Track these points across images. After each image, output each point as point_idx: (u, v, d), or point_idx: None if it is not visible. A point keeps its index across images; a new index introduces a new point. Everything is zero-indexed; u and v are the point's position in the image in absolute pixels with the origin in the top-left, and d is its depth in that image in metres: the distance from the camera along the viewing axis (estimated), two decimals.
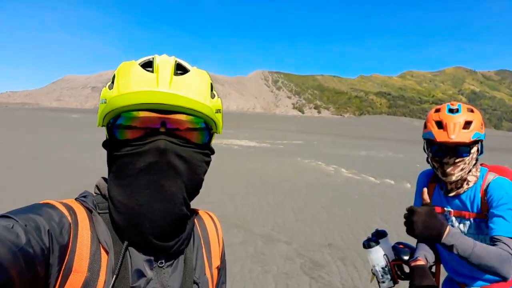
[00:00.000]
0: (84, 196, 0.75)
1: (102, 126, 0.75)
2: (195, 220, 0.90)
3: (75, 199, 0.74)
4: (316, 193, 8.30)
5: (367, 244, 1.77)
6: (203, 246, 0.87)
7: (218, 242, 0.92)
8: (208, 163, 0.82)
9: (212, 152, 0.84)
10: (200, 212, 0.95)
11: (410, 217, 1.42)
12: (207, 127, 0.79)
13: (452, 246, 1.36)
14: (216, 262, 0.89)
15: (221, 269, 0.94)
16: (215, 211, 5.95)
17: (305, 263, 4.37)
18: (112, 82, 0.72)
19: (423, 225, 1.38)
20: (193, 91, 0.71)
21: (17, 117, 39.68)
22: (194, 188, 0.77)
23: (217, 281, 0.90)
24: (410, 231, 1.42)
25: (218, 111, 0.79)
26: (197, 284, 0.79)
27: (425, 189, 1.49)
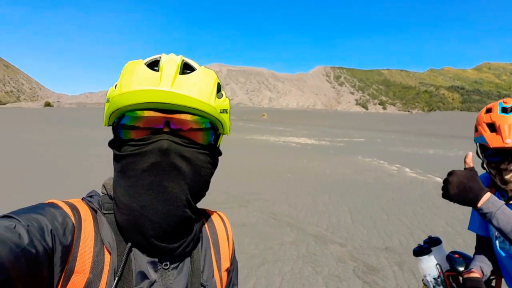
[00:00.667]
0: (91, 196, 0.75)
1: (108, 125, 0.75)
2: (204, 220, 0.88)
3: (82, 198, 0.74)
4: (376, 193, 7.93)
5: (418, 252, 1.62)
6: (211, 247, 0.85)
7: (228, 243, 0.90)
8: (214, 165, 0.80)
9: (219, 153, 0.82)
10: (210, 212, 0.94)
11: (447, 178, 1.27)
12: (213, 128, 0.77)
13: (491, 214, 1.19)
14: (225, 264, 0.87)
15: (231, 271, 0.91)
16: (267, 208, 5.98)
17: (359, 266, 4.18)
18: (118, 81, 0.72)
19: (459, 186, 1.22)
20: (196, 90, 0.69)
21: (92, 115, 43.17)
22: (198, 189, 0.75)
23: (226, 283, 0.88)
24: (445, 192, 1.27)
25: (224, 111, 0.77)
26: (204, 287, 0.77)
27: (470, 153, 1.33)
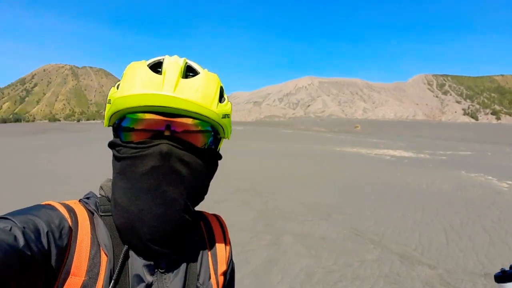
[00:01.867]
0: (88, 198, 0.77)
1: (109, 126, 0.76)
2: (201, 223, 0.89)
3: (79, 200, 0.75)
4: (479, 212, 7.03)
5: (501, 277, 1.39)
6: (208, 250, 0.85)
7: (225, 246, 0.90)
8: (213, 169, 0.80)
9: (219, 157, 0.81)
10: (207, 215, 0.94)
11: None
12: (214, 132, 0.77)
13: None
14: (222, 267, 0.86)
15: (228, 274, 0.90)
16: (350, 223, 5.71)
17: None
18: (120, 82, 0.73)
19: None
20: (198, 94, 0.69)
21: None
22: (197, 193, 0.76)
23: (223, 286, 0.86)
24: None
25: (225, 116, 0.77)
26: None
27: None
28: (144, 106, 0.66)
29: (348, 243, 5.16)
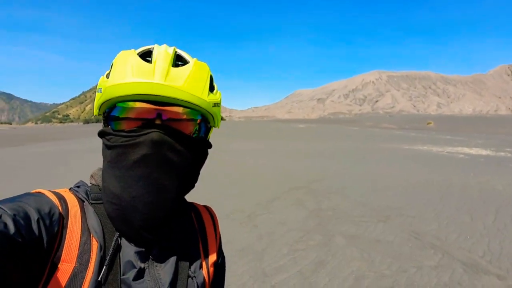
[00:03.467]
0: (78, 186, 0.78)
1: (99, 115, 0.77)
2: (192, 213, 0.91)
3: (69, 189, 0.76)
4: None
5: None
6: (199, 240, 0.87)
7: (215, 237, 0.92)
8: (203, 157, 0.81)
9: (209, 146, 0.83)
10: (198, 206, 0.95)
11: None
12: (204, 121, 0.79)
13: None
14: (212, 257, 0.87)
15: (218, 265, 0.90)
16: (410, 226, 5.39)
17: None
18: (110, 71, 0.74)
19: None
20: (189, 83, 0.69)
21: (254, 128, 47.07)
22: (188, 181, 0.77)
23: (213, 276, 0.87)
24: None
25: (216, 105, 0.78)
26: (191, 278, 0.77)
27: None
28: (135, 94, 0.67)
29: (406, 247, 4.83)
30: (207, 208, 0.97)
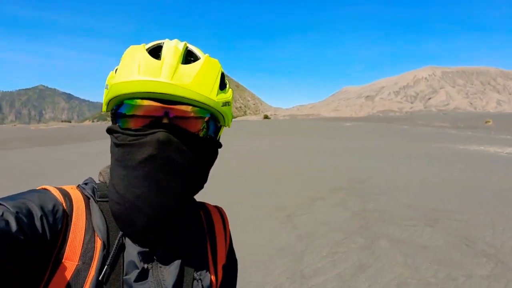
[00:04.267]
0: (86, 183, 0.77)
1: (107, 111, 0.76)
2: (202, 214, 0.89)
3: (78, 186, 0.76)
4: None
5: None
6: (207, 242, 0.85)
7: (225, 239, 0.90)
8: (213, 157, 0.80)
9: (219, 146, 0.81)
10: (208, 206, 0.94)
11: None
12: (213, 120, 0.76)
13: None
14: (221, 260, 0.86)
15: (227, 269, 0.88)
16: (461, 231, 5.13)
17: None
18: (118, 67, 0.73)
19: None
20: (197, 82, 0.68)
21: (299, 126, 46.55)
22: (196, 182, 0.75)
23: (221, 280, 0.85)
24: None
25: (226, 104, 0.75)
26: (196, 280, 0.76)
27: None
28: (141, 92, 0.66)
29: (455, 254, 4.55)
30: (218, 208, 0.95)
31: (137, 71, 0.66)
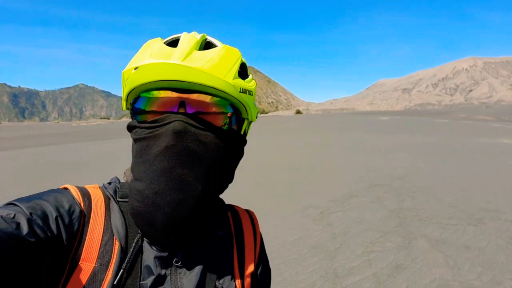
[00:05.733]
0: (109, 183, 0.75)
1: (127, 109, 0.73)
2: (230, 216, 0.84)
3: (102, 185, 0.74)
4: None
5: None
6: (234, 248, 0.79)
7: (255, 244, 0.84)
8: (237, 154, 0.75)
9: (243, 142, 0.77)
10: (238, 209, 0.89)
11: None
12: (235, 112, 0.72)
13: None
14: (249, 267, 0.79)
15: (257, 277, 0.82)
16: (509, 231, 4.82)
17: None
18: None
19: None
20: (210, 64, 0.63)
21: (331, 121, 45.72)
22: (218, 178, 0.70)
23: None
24: None
25: (245, 91, 0.69)
26: None
27: None
28: (154, 81, 0.63)
29: (501, 255, 4.28)
30: (248, 212, 0.89)
31: (148, 56, 0.63)
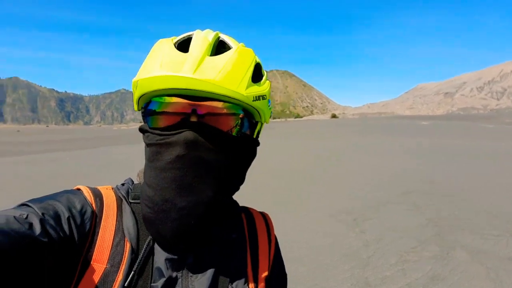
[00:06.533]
0: (123, 184, 0.75)
1: (139, 110, 0.73)
2: (244, 219, 0.83)
3: (116, 186, 0.75)
4: None
5: None
6: (248, 251, 0.78)
7: (269, 249, 0.81)
8: (249, 156, 0.75)
9: (256, 144, 0.76)
10: (253, 212, 0.87)
11: None
12: (247, 116, 0.70)
13: None
14: (263, 271, 0.77)
15: (271, 282, 0.80)
16: None
17: None
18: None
19: None
20: (222, 75, 0.62)
21: (369, 125, 44.66)
22: (230, 183, 0.71)
23: None
24: None
25: (259, 97, 0.68)
26: None
27: None
28: (165, 89, 0.62)
29: None
30: (263, 215, 0.88)
31: (159, 66, 0.62)
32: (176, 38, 0.70)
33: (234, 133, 0.68)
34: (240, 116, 0.68)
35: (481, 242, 4.84)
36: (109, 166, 13.50)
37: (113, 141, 30.58)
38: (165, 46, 0.66)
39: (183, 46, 0.67)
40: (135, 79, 0.66)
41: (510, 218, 5.83)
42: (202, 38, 0.66)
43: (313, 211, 6.44)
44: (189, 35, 0.69)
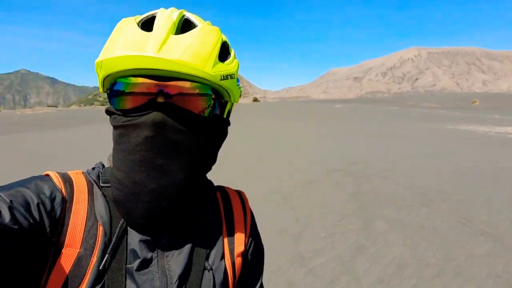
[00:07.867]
0: (93, 168, 0.74)
1: (104, 92, 0.70)
2: (219, 198, 0.84)
3: (86, 170, 0.74)
4: None
5: None
6: (224, 228, 0.79)
7: (245, 225, 0.83)
8: (220, 136, 0.74)
9: (227, 123, 0.75)
10: (228, 190, 0.88)
11: None
12: (217, 96, 0.69)
13: None
14: (239, 247, 0.79)
15: (249, 256, 0.82)
16: (458, 211, 5.11)
17: None
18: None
19: None
20: (188, 54, 0.60)
21: (289, 108, 46.37)
22: (201, 163, 0.70)
23: (240, 269, 0.78)
24: None
25: (227, 76, 0.67)
26: (208, 270, 0.70)
27: None
28: (128, 70, 0.60)
29: (453, 233, 4.55)
30: (238, 192, 0.89)
31: (121, 46, 0.59)
32: (140, 17, 0.67)
33: (206, 114, 0.67)
34: (213, 96, 0.67)
35: (397, 213, 5.32)
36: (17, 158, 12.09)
37: (20, 127, 27.50)
38: (128, 26, 0.64)
39: (147, 25, 0.64)
40: (98, 59, 0.63)
41: (420, 190, 6.49)
42: (166, 17, 0.64)
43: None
44: (153, 14, 0.67)
